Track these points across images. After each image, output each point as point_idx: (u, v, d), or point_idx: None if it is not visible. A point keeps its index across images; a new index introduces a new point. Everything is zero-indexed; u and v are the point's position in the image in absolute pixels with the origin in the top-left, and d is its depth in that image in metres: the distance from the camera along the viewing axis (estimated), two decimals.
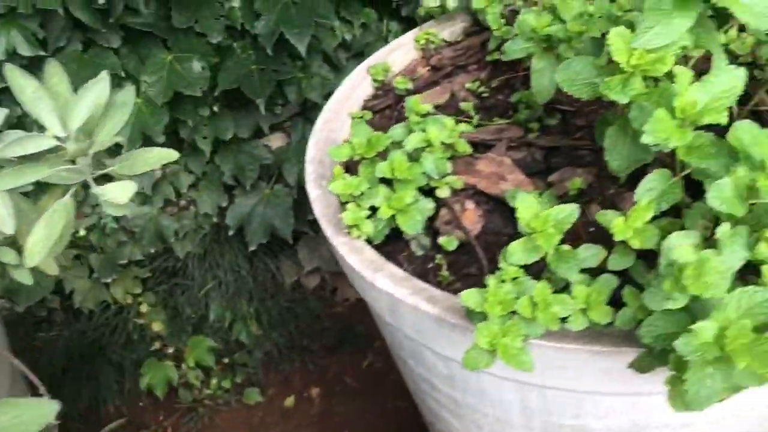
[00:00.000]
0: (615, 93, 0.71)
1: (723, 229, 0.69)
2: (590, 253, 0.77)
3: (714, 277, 0.59)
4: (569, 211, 0.75)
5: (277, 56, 1.71)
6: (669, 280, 0.61)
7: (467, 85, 1.15)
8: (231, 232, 1.93)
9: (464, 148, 0.98)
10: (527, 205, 0.74)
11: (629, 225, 0.73)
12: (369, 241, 0.93)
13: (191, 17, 1.64)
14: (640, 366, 0.69)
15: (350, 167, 1.00)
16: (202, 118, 1.82)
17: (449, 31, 1.26)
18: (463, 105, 1.10)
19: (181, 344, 2.05)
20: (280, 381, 2.05)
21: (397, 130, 0.97)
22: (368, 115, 1.15)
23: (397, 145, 0.96)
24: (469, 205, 0.97)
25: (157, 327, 2.04)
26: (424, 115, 0.98)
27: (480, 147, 1.05)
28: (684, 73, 0.69)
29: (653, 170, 0.75)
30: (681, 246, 0.62)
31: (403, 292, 0.85)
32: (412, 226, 0.89)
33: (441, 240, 0.90)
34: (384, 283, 0.86)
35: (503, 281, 0.74)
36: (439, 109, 1.14)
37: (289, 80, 1.80)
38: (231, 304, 2.06)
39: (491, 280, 0.72)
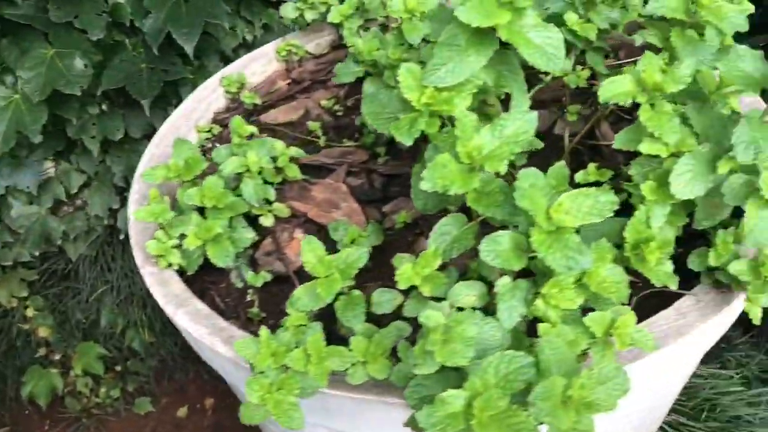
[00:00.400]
0: (401, 133, 0.67)
1: (503, 283, 0.65)
2: (385, 299, 0.72)
3: (460, 345, 0.55)
4: (358, 255, 0.70)
5: (166, 55, 1.64)
6: (420, 343, 0.57)
7: (323, 102, 1.09)
8: (122, 236, 1.86)
9: (294, 173, 0.92)
10: (311, 248, 0.69)
11: (418, 272, 0.68)
12: (183, 271, 0.88)
13: (71, 12, 1.55)
14: (413, 426, 0.65)
15: None
16: (91, 117, 1.74)
17: (315, 43, 1.20)
18: (311, 125, 1.05)
19: (70, 351, 1.96)
20: (173, 390, 1.98)
21: (220, 152, 0.91)
22: (217, 129, 1.09)
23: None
24: (298, 234, 0.91)
25: (43, 332, 1.95)
26: (250, 136, 0.93)
27: (324, 171, 1.01)
28: (466, 117, 0.65)
29: (448, 215, 0.71)
30: (434, 310, 0.58)
31: (201, 331, 0.79)
32: (222, 258, 0.84)
33: (248, 276, 0.85)
34: (183, 320, 0.80)
35: (286, 329, 0.70)
36: (291, 126, 1.09)
37: (182, 80, 1.73)
38: (123, 309, 1.98)
39: (263, 331, 0.67)
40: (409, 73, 0.67)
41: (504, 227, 0.69)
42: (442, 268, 0.74)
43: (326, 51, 1.20)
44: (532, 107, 1.03)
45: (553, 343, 0.61)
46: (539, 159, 0.95)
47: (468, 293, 0.66)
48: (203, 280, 0.90)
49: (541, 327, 0.63)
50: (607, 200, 0.61)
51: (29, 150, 1.72)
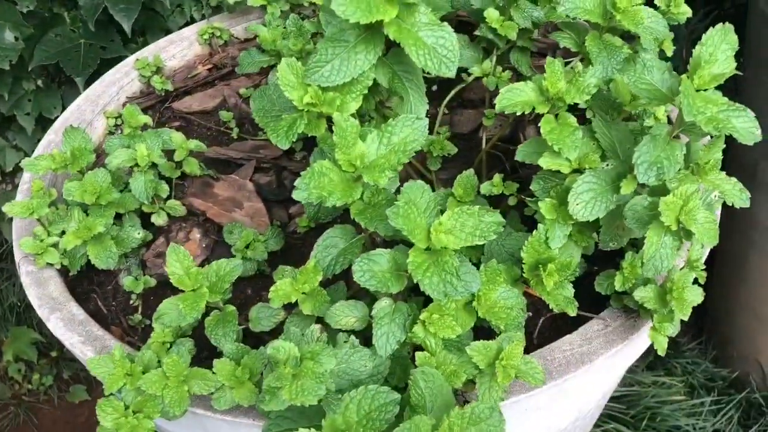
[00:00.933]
0: (277, 135, 0.60)
1: (381, 306, 0.59)
2: (263, 315, 0.66)
3: (311, 381, 0.49)
4: (231, 267, 0.64)
5: (106, 32, 1.55)
6: (268, 378, 0.51)
7: (242, 91, 1.02)
8: None
9: (193, 168, 0.86)
10: (177, 258, 0.62)
11: (297, 288, 0.63)
12: (68, 271, 0.81)
13: None
14: None
15: None
16: (26, 93, 1.65)
17: (243, 26, 1.13)
18: (224, 114, 0.98)
19: (3, 335, 1.89)
20: None
21: (113, 143, 0.84)
22: None
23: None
24: (196, 234, 0.85)
25: None
26: (144, 127, 0.85)
27: (233, 166, 0.94)
28: (346, 122, 0.58)
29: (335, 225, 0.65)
30: (286, 340, 0.52)
31: (73, 339, 0.73)
32: (104, 259, 0.77)
33: (126, 280, 0.78)
34: (55, 326, 0.74)
35: (149, 347, 0.63)
36: (206, 115, 1.02)
37: (121, 58, 1.64)
38: None
39: (117, 350, 0.61)
40: (289, 69, 0.60)
41: (395, 242, 0.63)
42: (331, 283, 0.68)
43: (253, 36, 1.13)
44: (459, 107, 0.97)
45: (429, 375, 0.55)
46: (460, 163, 0.89)
47: (348, 314, 0.61)
48: (91, 280, 0.83)
49: (419, 356, 0.58)
50: (492, 221, 0.56)
51: None
